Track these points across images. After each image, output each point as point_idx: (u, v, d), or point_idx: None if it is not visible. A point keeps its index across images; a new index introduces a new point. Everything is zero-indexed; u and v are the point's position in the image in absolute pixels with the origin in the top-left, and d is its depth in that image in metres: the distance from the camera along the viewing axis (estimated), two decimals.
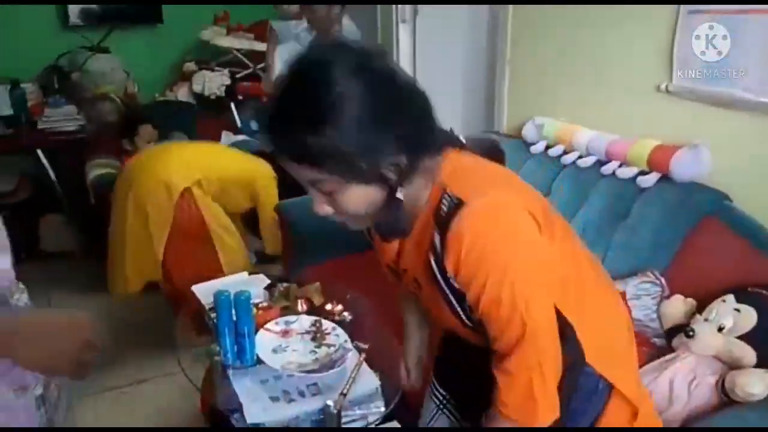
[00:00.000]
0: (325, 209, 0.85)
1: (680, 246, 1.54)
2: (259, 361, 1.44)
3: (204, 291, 1.62)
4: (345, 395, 1.27)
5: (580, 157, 1.97)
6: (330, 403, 1.24)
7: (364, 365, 1.41)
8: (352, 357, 1.42)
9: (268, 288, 1.65)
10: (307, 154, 0.78)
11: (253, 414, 1.27)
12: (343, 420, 1.27)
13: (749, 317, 1.30)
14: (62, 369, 0.76)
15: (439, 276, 0.88)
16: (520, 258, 0.84)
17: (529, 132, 2.19)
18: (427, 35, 2.85)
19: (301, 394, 1.33)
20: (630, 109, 1.91)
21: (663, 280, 1.55)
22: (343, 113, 0.76)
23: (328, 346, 1.44)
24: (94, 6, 3.57)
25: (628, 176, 1.77)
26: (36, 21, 3.52)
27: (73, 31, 3.55)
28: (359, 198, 0.82)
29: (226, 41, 3.68)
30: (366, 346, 1.47)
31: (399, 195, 0.84)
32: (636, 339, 1.51)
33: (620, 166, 1.81)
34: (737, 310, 1.32)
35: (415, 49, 2.87)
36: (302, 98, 0.77)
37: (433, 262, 0.88)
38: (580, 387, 0.95)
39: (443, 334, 1.25)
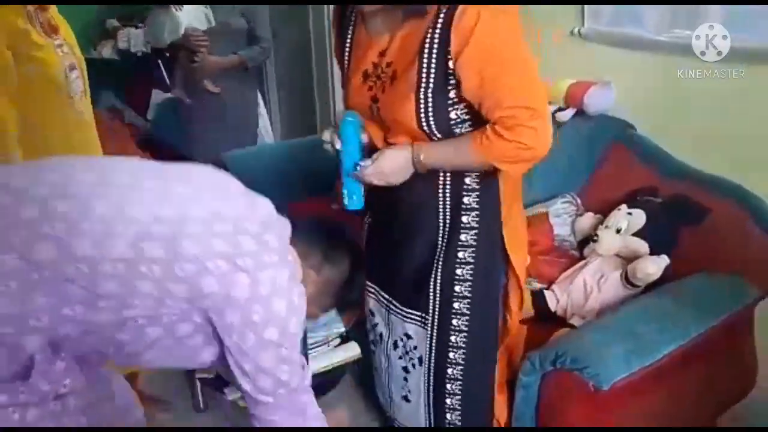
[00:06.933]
0: None
1: (593, 169, 1.75)
2: None
3: None
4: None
5: None
6: None
7: None
8: None
9: None
10: None
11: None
12: (309, 340, 1.42)
13: (640, 217, 1.56)
14: None
15: (429, 59, 1.07)
16: (523, 49, 1.09)
17: None
18: None
19: None
20: (549, 53, 2.08)
21: (578, 200, 1.77)
22: None
23: None
24: None
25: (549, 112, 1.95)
26: None
27: None
28: None
29: None
30: None
31: None
32: (557, 253, 1.73)
33: None
34: (629, 213, 1.58)
35: None
36: None
37: (427, 47, 1.07)
38: None
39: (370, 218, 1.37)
